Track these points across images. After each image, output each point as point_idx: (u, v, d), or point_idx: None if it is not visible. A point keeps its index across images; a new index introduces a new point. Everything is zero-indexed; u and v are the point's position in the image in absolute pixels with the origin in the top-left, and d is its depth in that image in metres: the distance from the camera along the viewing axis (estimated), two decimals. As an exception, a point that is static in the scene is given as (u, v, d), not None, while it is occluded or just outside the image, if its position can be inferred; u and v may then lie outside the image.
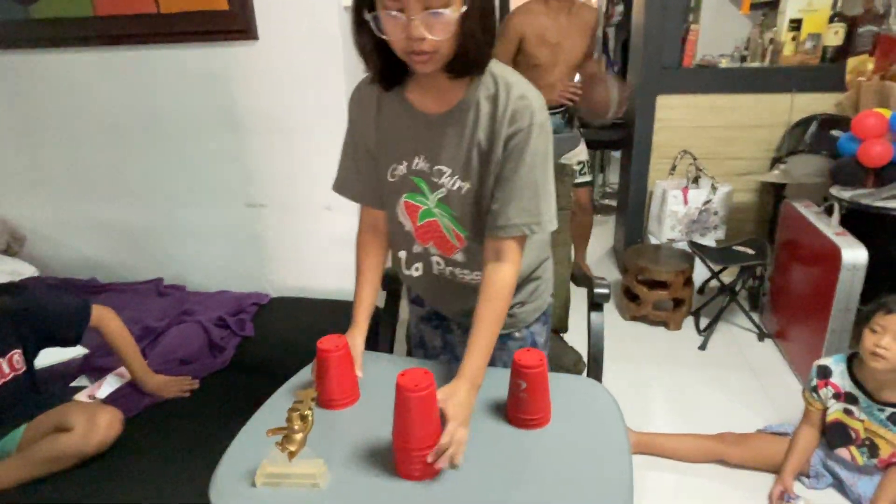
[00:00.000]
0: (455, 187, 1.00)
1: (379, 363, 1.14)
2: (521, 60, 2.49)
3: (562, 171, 1.66)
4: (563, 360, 1.50)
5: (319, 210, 2.03)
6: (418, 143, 1.01)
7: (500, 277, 0.99)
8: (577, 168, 2.70)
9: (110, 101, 2.02)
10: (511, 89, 0.94)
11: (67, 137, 2.11)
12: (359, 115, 1.07)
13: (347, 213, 1.98)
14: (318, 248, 2.09)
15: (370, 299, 1.14)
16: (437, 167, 1.01)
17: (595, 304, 1.45)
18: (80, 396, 1.52)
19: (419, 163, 1.02)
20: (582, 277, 1.58)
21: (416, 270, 1.14)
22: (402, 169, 1.04)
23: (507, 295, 1.00)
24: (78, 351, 1.73)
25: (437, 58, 0.87)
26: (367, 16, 0.86)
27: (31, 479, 1.25)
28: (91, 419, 1.27)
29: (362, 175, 1.10)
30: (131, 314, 1.92)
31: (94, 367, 1.65)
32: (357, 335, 1.09)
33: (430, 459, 0.81)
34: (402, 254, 1.14)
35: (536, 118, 0.94)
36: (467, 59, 0.90)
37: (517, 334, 1.22)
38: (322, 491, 0.82)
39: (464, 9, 0.84)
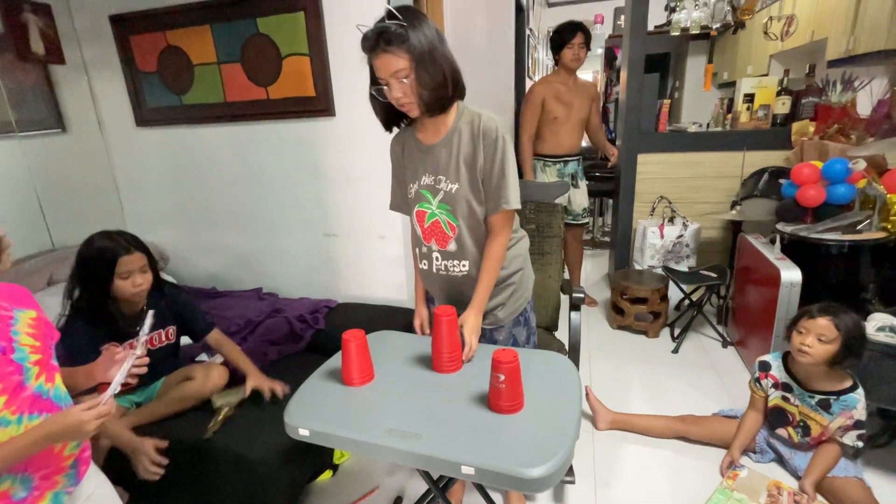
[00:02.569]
0: (449, 189, 1.16)
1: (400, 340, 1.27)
2: (543, 117, 2.68)
3: (554, 209, 1.76)
4: (550, 348, 1.57)
5: (376, 238, 2.18)
6: (425, 165, 1.18)
7: (493, 244, 1.18)
8: (580, 212, 2.83)
9: (231, 160, 2.26)
10: (481, 117, 1.12)
11: (201, 186, 2.36)
12: (396, 154, 1.25)
13: (396, 242, 2.16)
14: (373, 267, 2.23)
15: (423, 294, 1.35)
16: (438, 177, 1.16)
17: (574, 306, 1.54)
18: (202, 365, 1.70)
19: (426, 179, 1.18)
20: (566, 286, 1.67)
21: (424, 265, 1.28)
22: (415, 187, 1.20)
23: (502, 254, 1.19)
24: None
25: (414, 106, 1.07)
26: (373, 90, 1.08)
27: (168, 415, 1.40)
28: (206, 372, 1.44)
29: (400, 195, 1.28)
30: (239, 311, 2.13)
31: (210, 347, 1.84)
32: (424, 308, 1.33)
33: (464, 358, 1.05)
34: (417, 250, 1.29)
35: (499, 132, 1.11)
36: (428, 104, 1.07)
37: (500, 337, 1.30)
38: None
39: (412, 76, 1.02)
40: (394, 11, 1.00)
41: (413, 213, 1.23)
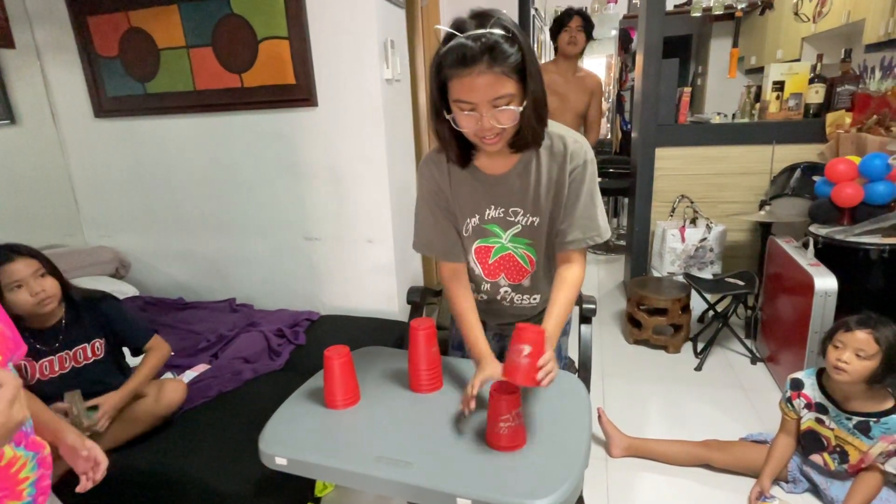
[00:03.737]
0: (528, 223, 1.15)
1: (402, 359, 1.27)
2: None
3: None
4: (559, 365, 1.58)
5: (363, 243, 2.20)
6: (490, 197, 1.14)
7: (571, 273, 1.15)
8: None
9: (200, 156, 2.28)
10: (565, 139, 1.08)
11: (167, 185, 2.37)
12: (435, 183, 1.16)
13: (385, 246, 2.17)
14: (360, 275, 2.25)
15: (482, 333, 1.18)
16: (511, 209, 1.14)
17: (584, 318, 1.55)
18: (166, 386, 1.70)
19: (491, 212, 1.15)
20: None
21: (482, 297, 1.29)
22: (475, 221, 1.17)
23: (578, 284, 1.15)
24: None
25: (502, 140, 1.00)
26: (448, 117, 0.98)
27: (123, 440, 1.39)
28: (160, 387, 1.43)
29: (446, 234, 1.20)
30: (209, 325, 2.13)
31: (177, 365, 1.84)
32: (487, 366, 1.09)
33: (541, 378, 0.91)
34: (473, 285, 1.28)
35: (588, 156, 1.09)
36: (527, 140, 1.03)
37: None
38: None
39: (525, 104, 0.96)
40: (503, 20, 0.91)
41: (471, 251, 1.21)
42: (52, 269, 1.36)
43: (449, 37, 0.92)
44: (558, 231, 1.14)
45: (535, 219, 1.14)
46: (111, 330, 1.47)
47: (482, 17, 0.91)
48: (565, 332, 1.38)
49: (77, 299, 1.42)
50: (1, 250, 1.30)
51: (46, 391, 1.37)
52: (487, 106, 0.93)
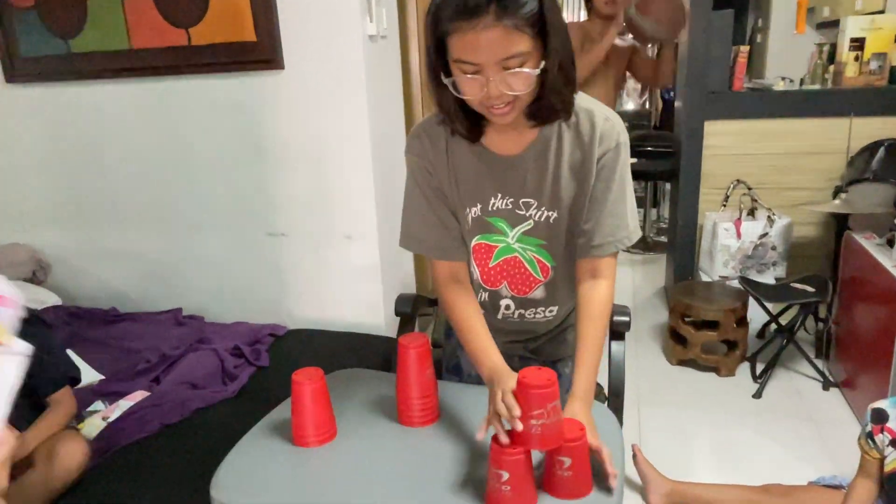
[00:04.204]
0: (542, 218, 1.13)
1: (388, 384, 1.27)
2: None
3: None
4: (583, 393, 1.58)
5: (340, 239, 2.20)
6: (497, 183, 1.12)
7: (598, 294, 1.11)
8: None
9: (139, 131, 2.28)
10: (594, 115, 1.06)
11: (96, 167, 2.37)
12: (428, 162, 1.14)
13: (368, 244, 2.17)
14: (337, 279, 2.25)
15: (494, 343, 1.14)
16: (522, 201, 1.12)
17: (616, 333, 1.55)
18: (95, 418, 1.70)
19: (497, 202, 1.13)
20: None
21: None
22: (475, 212, 1.15)
23: (608, 311, 1.12)
24: (94, 377, 1.94)
25: (516, 109, 0.97)
26: (446, 81, 0.96)
27: None
28: (49, 452, 1.36)
29: (441, 228, 1.18)
30: (149, 342, 2.13)
31: (109, 392, 1.84)
32: (509, 378, 0.99)
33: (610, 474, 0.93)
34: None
35: (622, 138, 1.07)
36: (552, 109, 1.01)
37: (567, 370, 1.33)
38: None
39: (543, 64, 0.93)
40: None
41: (469, 246, 1.20)
42: None
43: None
44: (581, 232, 1.13)
45: (551, 213, 1.12)
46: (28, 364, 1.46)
47: None
48: None
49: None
50: None
51: None
52: (496, 68, 0.91)
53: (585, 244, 1.12)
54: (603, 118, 1.07)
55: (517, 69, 0.92)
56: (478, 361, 1.11)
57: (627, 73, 2.93)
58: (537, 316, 1.25)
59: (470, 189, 1.15)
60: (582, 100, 1.08)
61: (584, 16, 2.89)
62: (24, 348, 1.03)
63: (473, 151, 1.12)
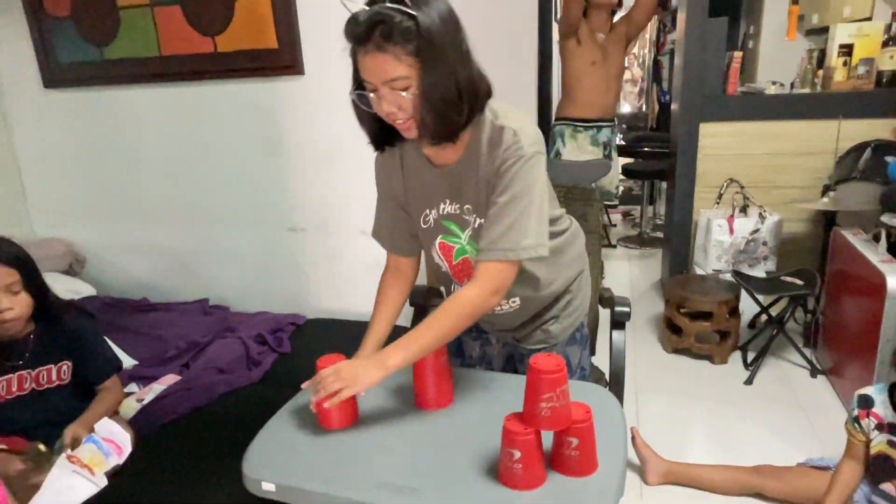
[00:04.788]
0: (478, 225, 1.13)
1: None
2: (574, 64, 2.83)
3: (590, 197, 1.78)
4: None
5: (355, 234, 2.21)
6: (443, 190, 1.15)
7: (459, 294, 1.07)
8: (613, 191, 2.89)
9: (168, 133, 2.30)
10: (504, 132, 1.04)
11: (128, 167, 2.39)
12: (386, 174, 1.21)
13: (382, 237, 2.18)
14: (352, 272, 2.27)
15: (382, 329, 1.24)
16: (465, 206, 1.14)
17: (617, 323, 1.56)
18: (130, 400, 1.72)
19: (446, 207, 1.15)
20: (606, 298, 1.69)
21: None
22: (433, 214, 1.18)
23: (464, 313, 1.06)
24: (129, 362, 1.96)
25: (414, 127, 1.00)
26: (353, 94, 1.02)
27: None
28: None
29: (393, 226, 1.25)
30: (178, 330, 2.16)
31: (143, 376, 1.87)
32: (354, 361, 1.10)
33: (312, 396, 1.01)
34: (443, 289, 1.31)
35: (524, 152, 1.03)
36: (435, 130, 1.00)
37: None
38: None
39: (417, 92, 0.96)
40: None
41: (434, 245, 1.21)
42: (31, 283, 1.37)
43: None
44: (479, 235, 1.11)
45: (482, 220, 1.12)
46: (79, 354, 1.49)
47: None
48: (577, 342, 1.37)
49: (54, 314, 1.44)
50: None
51: (1, 416, 1.40)
52: (385, 88, 0.96)
53: (477, 246, 1.10)
54: (511, 132, 1.04)
55: (401, 91, 0.96)
56: (364, 339, 1.21)
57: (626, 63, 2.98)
58: (504, 307, 1.24)
59: (424, 195, 1.18)
60: (505, 115, 1.07)
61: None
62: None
63: (422, 162, 1.15)
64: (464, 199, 1.13)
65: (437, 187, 1.15)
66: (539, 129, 1.11)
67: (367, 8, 0.93)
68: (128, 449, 1.08)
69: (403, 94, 0.96)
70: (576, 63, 2.75)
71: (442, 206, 1.16)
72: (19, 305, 1.35)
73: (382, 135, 1.10)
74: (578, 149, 2.82)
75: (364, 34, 0.92)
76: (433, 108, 0.97)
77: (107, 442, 1.12)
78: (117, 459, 1.07)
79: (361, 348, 1.19)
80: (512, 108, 1.10)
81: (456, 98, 0.98)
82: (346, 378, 1.00)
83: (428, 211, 1.18)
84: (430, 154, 1.14)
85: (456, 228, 1.17)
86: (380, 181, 1.24)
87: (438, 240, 1.20)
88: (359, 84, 1.01)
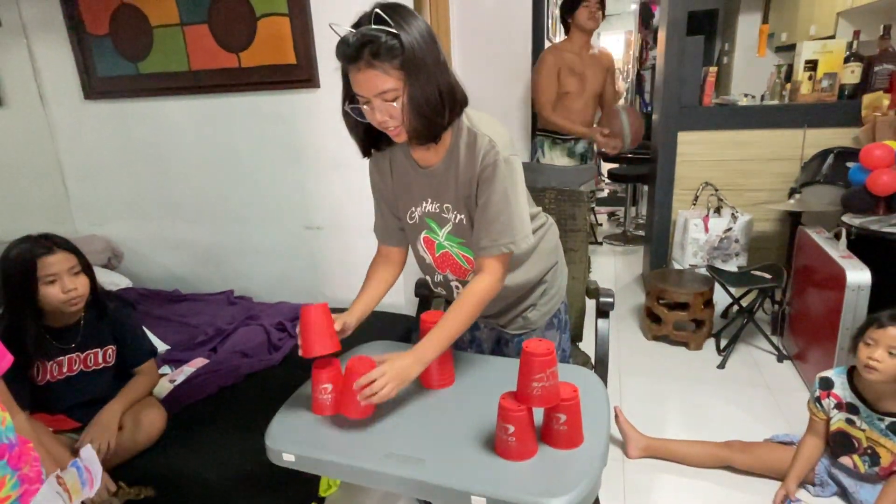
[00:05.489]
0: (457, 220, 1.17)
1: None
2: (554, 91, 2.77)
3: (579, 198, 1.79)
4: (574, 361, 1.60)
5: (367, 232, 2.17)
6: (425, 189, 1.18)
7: (474, 286, 1.12)
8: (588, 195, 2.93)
9: (197, 140, 2.30)
10: (480, 137, 1.08)
11: (161, 170, 2.40)
12: (378, 176, 1.25)
13: (390, 234, 2.19)
14: (363, 266, 2.24)
15: (368, 300, 1.28)
16: (445, 205, 1.17)
17: (601, 312, 1.57)
18: (163, 381, 1.73)
19: (428, 206, 1.19)
20: (592, 290, 1.70)
21: (442, 292, 1.33)
22: (418, 212, 1.21)
23: (479, 300, 1.11)
24: (162, 347, 1.98)
25: (403, 132, 1.04)
26: (347, 107, 1.05)
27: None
28: (136, 419, 1.41)
29: (384, 220, 1.29)
30: (207, 318, 2.17)
31: (175, 360, 1.88)
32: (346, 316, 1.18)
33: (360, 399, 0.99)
34: (428, 278, 1.33)
35: (501, 156, 1.07)
36: (418, 135, 1.04)
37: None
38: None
39: (404, 99, 0.99)
40: (382, 15, 0.95)
41: (419, 240, 1.25)
42: (86, 267, 1.39)
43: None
44: (474, 235, 1.14)
45: (462, 216, 1.16)
46: (121, 339, 1.51)
47: (376, 10, 0.96)
48: (555, 327, 1.39)
49: (102, 301, 1.46)
50: (40, 240, 1.32)
51: (51, 395, 1.41)
52: (377, 100, 1.00)
53: (476, 245, 1.14)
54: (487, 140, 1.07)
55: (391, 102, 0.99)
56: (352, 304, 1.24)
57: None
58: None
59: (410, 194, 1.21)
60: (480, 122, 1.10)
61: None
62: None
63: (409, 164, 1.18)
64: (443, 199, 1.17)
65: (421, 187, 1.18)
66: (510, 133, 1.14)
67: (354, 31, 0.96)
68: (97, 484, 1.05)
69: (394, 104, 0.99)
70: (553, 90, 2.77)
71: (424, 204, 1.19)
72: (82, 286, 1.36)
73: (369, 141, 1.14)
74: (555, 159, 2.87)
75: (355, 54, 0.96)
76: (420, 112, 1.00)
77: (86, 470, 1.09)
78: (88, 492, 1.04)
79: (349, 313, 1.20)
80: (485, 116, 1.14)
81: (438, 102, 1.02)
82: (394, 378, 1.00)
83: (413, 209, 1.22)
84: (417, 157, 1.17)
85: (435, 226, 1.21)
86: (373, 182, 1.27)
87: (423, 235, 1.24)
88: (350, 98, 1.05)
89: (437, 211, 1.18)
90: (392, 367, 1.01)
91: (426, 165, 1.16)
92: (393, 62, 0.96)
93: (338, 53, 0.98)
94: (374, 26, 0.95)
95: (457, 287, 1.28)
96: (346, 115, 1.08)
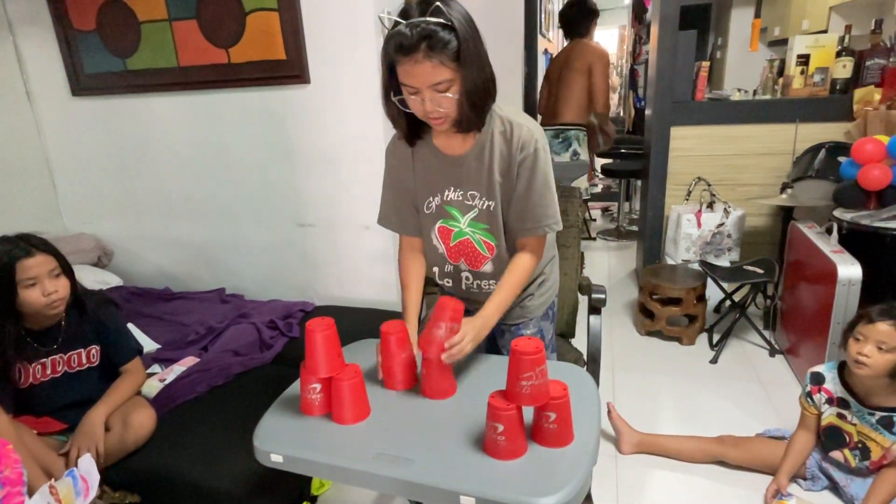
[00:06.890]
0: (484, 207, 1.20)
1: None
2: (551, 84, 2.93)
3: (571, 194, 1.78)
4: (566, 357, 1.60)
5: (360, 229, 2.21)
6: (449, 178, 1.20)
7: (522, 261, 1.21)
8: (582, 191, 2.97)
9: (186, 136, 2.28)
10: (513, 126, 1.14)
11: (150, 167, 2.37)
12: (397, 163, 1.26)
13: (383, 233, 2.18)
14: (357, 263, 2.26)
15: (416, 303, 1.32)
16: (469, 192, 1.19)
17: (593, 308, 1.56)
18: (153, 380, 1.71)
19: (450, 194, 1.21)
20: (584, 286, 1.70)
21: (447, 283, 1.34)
22: (436, 201, 1.23)
23: (526, 272, 1.21)
24: (152, 346, 1.96)
25: (448, 121, 1.08)
26: (394, 99, 1.08)
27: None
28: (124, 420, 1.39)
29: (403, 210, 1.29)
30: (198, 317, 2.15)
31: (165, 359, 1.87)
32: (412, 330, 1.23)
33: (443, 357, 1.04)
34: (436, 269, 1.34)
35: (539, 143, 1.14)
36: (468, 123, 1.10)
37: (527, 332, 1.36)
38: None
39: (458, 90, 1.03)
40: (441, 7, 0.98)
41: (433, 229, 1.26)
42: (66, 268, 1.37)
43: (396, 22, 1.00)
44: (516, 218, 1.20)
45: (490, 203, 1.19)
46: (104, 338, 1.49)
47: (425, 4, 0.98)
48: (549, 319, 1.41)
49: (83, 301, 1.44)
50: (18, 243, 1.30)
51: (36, 397, 1.39)
52: (429, 90, 1.02)
53: (520, 227, 1.20)
54: (525, 129, 1.14)
55: (444, 93, 1.03)
56: (404, 311, 1.28)
57: None
58: (491, 287, 1.30)
59: (430, 183, 1.23)
60: (511, 112, 1.16)
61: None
62: None
63: (431, 153, 1.20)
64: (469, 186, 1.19)
65: (443, 175, 1.20)
66: None
67: (405, 22, 0.98)
68: (93, 493, 1.04)
69: (448, 94, 1.03)
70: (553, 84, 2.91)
71: (447, 192, 1.21)
72: (63, 288, 1.35)
73: (411, 130, 1.17)
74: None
75: (413, 46, 0.97)
76: (472, 102, 1.05)
77: (82, 480, 1.08)
78: (83, 502, 1.03)
79: (407, 322, 1.23)
80: (510, 106, 1.18)
81: (486, 91, 1.07)
82: (474, 339, 1.09)
83: (431, 198, 1.24)
84: (440, 145, 1.19)
85: (457, 213, 1.23)
86: (391, 168, 1.28)
87: (438, 224, 1.25)
88: (395, 89, 1.07)
89: (461, 199, 1.21)
90: (472, 328, 1.09)
91: (451, 154, 1.18)
92: (449, 54, 0.99)
93: (391, 45, 1.00)
94: (431, 18, 0.97)
95: (467, 277, 1.30)
96: (391, 106, 1.10)
